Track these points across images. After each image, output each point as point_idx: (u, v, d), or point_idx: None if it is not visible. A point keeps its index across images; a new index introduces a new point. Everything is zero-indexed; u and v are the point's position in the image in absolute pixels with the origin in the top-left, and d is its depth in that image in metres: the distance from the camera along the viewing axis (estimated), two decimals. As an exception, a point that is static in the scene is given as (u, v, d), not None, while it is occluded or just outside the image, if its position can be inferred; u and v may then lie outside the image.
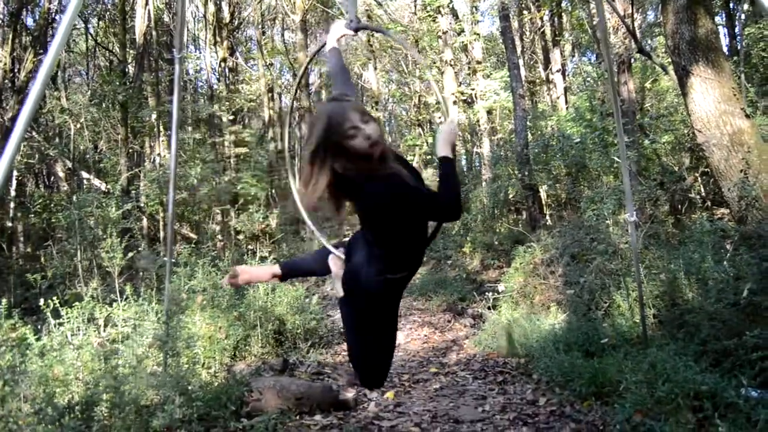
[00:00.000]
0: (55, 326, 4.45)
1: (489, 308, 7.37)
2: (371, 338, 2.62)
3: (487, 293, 7.63)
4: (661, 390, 3.57)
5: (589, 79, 17.09)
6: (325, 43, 3.05)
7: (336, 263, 2.78)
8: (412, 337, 7.39)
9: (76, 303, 4.70)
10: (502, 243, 11.43)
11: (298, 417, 4.22)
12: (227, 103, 18.19)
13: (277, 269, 2.96)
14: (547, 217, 12.46)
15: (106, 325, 4.95)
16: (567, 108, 16.24)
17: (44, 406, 3.16)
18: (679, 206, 9.02)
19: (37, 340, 4.23)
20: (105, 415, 3.32)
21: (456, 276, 10.10)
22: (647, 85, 13.25)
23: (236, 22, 20.96)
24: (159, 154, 15.32)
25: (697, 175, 9.21)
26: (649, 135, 9.61)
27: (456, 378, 5.47)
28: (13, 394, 3.40)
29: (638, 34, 10.79)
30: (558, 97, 17.79)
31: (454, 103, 16.50)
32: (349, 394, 4.63)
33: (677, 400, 3.49)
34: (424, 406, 4.58)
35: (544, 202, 13.24)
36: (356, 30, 3.05)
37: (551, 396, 4.47)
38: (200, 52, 21.23)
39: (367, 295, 2.51)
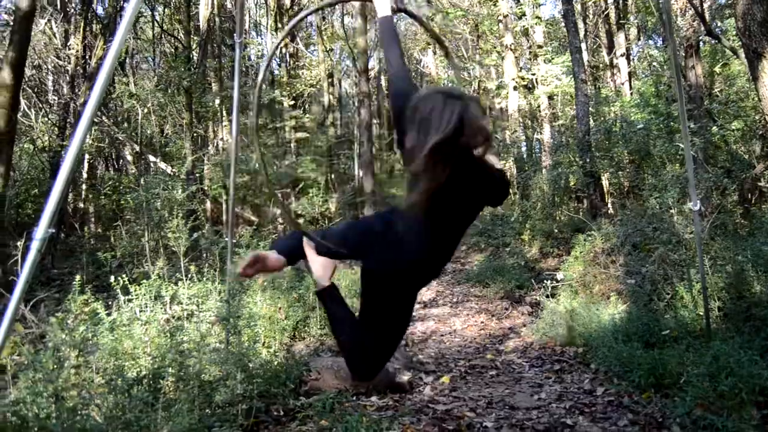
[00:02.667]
0: (124, 302, 4.64)
1: (547, 296, 7.29)
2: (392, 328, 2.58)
3: (545, 281, 7.54)
4: (724, 384, 3.49)
5: (654, 63, 16.57)
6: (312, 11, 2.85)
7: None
8: (468, 323, 7.39)
9: (144, 281, 4.89)
10: (561, 231, 11.26)
11: (354, 397, 4.30)
12: (288, 88, 18.43)
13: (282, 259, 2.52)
14: (609, 206, 12.20)
15: (171, 303, 5.13)
16: (631, 93, 15.80)
17: (115, 377, 3.32)
18: (749, 196, 8.69)
19: (108, 315, 4.44)
20: (170, 388, 3.46)
21: (514, 263, 10.02)
22: (717, 69, 12.75)
23: (296, 8, 21.14)
24: (222, 139, 15.68)
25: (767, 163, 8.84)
26: (717, 121, 9.26)
27: (512, 365, 5.46)
28: (86, 364, 3.58)
29: (707, 16, 10.40)
30: (622, 83, 17.30)
31: (515, 88, 16.29)
32: (405, 377, 4.69)
33: (741, 395, 3.41)
34: (480, 392, 4.60)
35: (606, 190, 12.96)
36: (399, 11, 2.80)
37: (609, 386, 4.41)
38: (262, 38, 21.53)
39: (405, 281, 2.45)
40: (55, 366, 3.03)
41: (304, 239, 2.56)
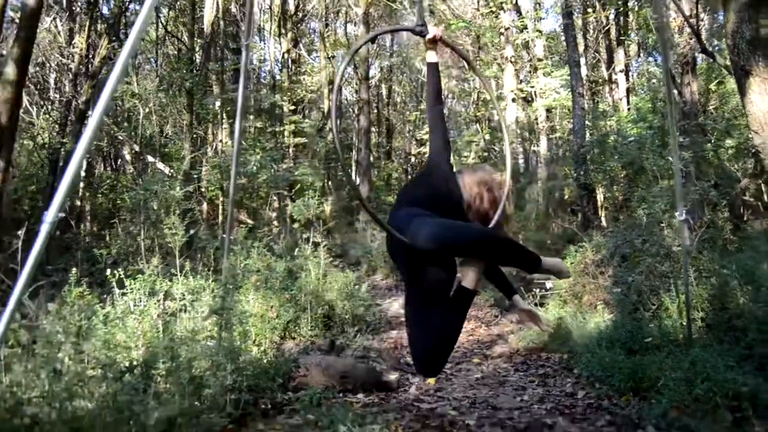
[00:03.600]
0: (119, 296, 4.72)
1: (536, 305, 7.40)
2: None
3: (535, 290, 7.65)
4: (699, 388, 3.60)
5: (653, 80, 16.74)
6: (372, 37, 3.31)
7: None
8: (457, 329, 7.48)
9: (139, 275, 4.97)
10: (554, 242, 11.38)
11: (341, 394, 4.39)
12: (289, 93, 18.57)
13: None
14: (602, 219, 12.32)
15: (165, 299, 5.22)
16: (629, 109, 15.96)
17: (107, 366, 3.41)
18: (741, 212, 8.81)
19: (102, 308, 4.52)
20: (162, 375, 3.55)
21: (506, 272, 10.10)
22: (712, 87, 12.92)
23: (300, 15, 21.32)
24: (221, 141, 15.80)
25: (760, 181, 8.96)
26: (708, 136, 9.41)
27: (498, 369, 5.56)
28: (79, 354, 3.66)
29: (705, 35, 10.56)
30: (621, 98, 17.47)
31: (513, 100, 16.46)
32: (392, 376, 4.78)
33: (715, 398, 3.51)
34: (464, 393, 4.70)
35: (600, 204, 13.09)
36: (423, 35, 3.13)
37: (590, 390, 4.52)
38: (264, 43, 21.70)
39: None
40: (51, 352, 3.12)
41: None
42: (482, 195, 2.98)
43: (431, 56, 3.15)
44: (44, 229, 2.23)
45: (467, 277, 2.79)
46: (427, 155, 3.22)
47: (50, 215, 2.23)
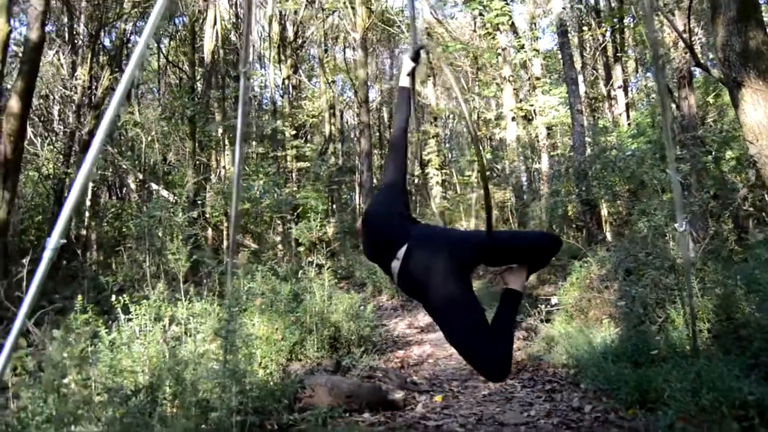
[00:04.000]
0: (124, 321, 4.75)
1: (542, 321, 7.39)
2: None
3: (540, 306, 7.64)
4: (705, 398, 3.58)
5: (652, 95, 16.82)
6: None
7: None
8: (464, 347, 7.45)
9: (144, 301, 5.00)
10: (558, 258, 11.36)
11: (347, 414, 4.39)
12: (290, 118, 18.72)
13: None
14: (607, 233, 12.31)
15: (170, 324, 5.24)
16: (629, 124, 16.03)
17: (113, 391, 3.43)
18: (746, 222, 8.80)
19: (107, 334, 4.54)
20: (168, 398, 3.56)
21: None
22: (710, 99, 12.99)
23: (300, 41, 21.56)
24: (224, 167, 15.91)
25: (764, 192, 8.95)
26: (706, 147, 9.43)
27: (504, 385, 5.53)
28: (84, 381, 3.68)
29: (700, 49, 10.63)
30: (620, 114, 17.56)
31: (513, 119, 16.57)
32: (398, 394, 4.78)
33: (722, 408, 3.50)
34: (471, 410, 4.68)
35: (604, 219, 13.08)
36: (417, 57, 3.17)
37: (597, 404, 4.50)
38: (265, 70, 21.91)
39: None
40: (56, 378, 3.14)
41: None
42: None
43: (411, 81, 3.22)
44: (47, 255, 2.27)
45: (515, 280, 2.81)
46: (396, 174, 3.18)
47: (52, 241, 2.27)
